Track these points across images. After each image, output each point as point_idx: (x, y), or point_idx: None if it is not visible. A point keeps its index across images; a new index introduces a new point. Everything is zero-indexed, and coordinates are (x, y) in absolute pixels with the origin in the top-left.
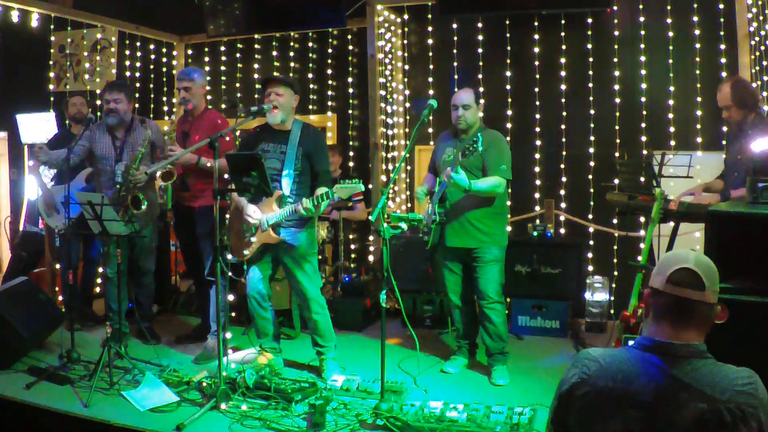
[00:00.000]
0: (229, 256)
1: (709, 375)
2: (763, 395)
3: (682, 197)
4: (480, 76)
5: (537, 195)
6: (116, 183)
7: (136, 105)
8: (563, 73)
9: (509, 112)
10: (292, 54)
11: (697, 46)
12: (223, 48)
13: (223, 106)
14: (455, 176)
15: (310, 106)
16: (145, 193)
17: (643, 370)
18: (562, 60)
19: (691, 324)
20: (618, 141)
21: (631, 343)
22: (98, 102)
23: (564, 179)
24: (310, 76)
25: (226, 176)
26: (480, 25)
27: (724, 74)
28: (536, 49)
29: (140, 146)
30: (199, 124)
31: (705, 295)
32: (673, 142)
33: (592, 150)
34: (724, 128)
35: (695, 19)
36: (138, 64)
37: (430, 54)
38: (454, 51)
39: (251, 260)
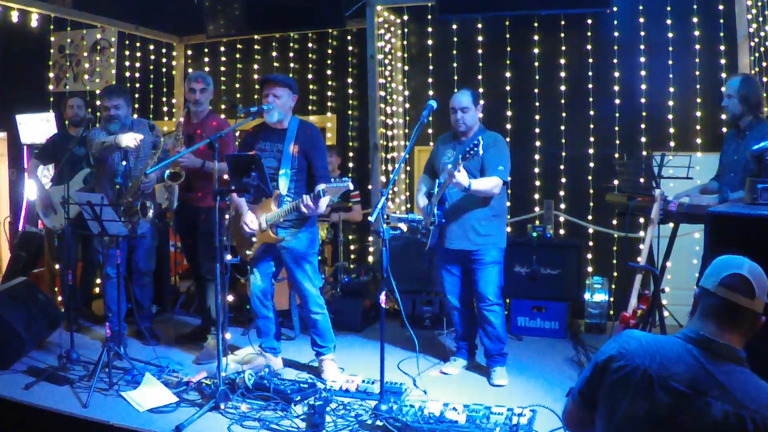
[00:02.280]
0: (229, 257)
1: (743, 382)
2: None
3: (679, 198)
4: (480, 76)
5: (536, 196)
6: (116, 183)
7: (136, 105)
8: (563, 74)
9: (509, 113)
10: (291, 54)
11: (697, 47)
12: (222, 48)
13: (223, 106)
14: (458, 174)
15: (310, 107)
16: (150, 198)
17: (681, 359)
18: (562, 61)
19: (736, 328)
20: (618, 142)
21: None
22: (98, 102)
23: (563, 180)
24: (309, 76)
25: (226, 177)
26: (480, 26)
27: (723, 75)
28: (536, 50)
29: (152, 154)
30: (204, 127)
31: (754, 303)
32: (672, 143)
33: (591, 151)
34: (724, 129)
35: (695, 20)
36: (137, 65)
37: (430, 55)
38: (454, 52)
39: (253, 260)
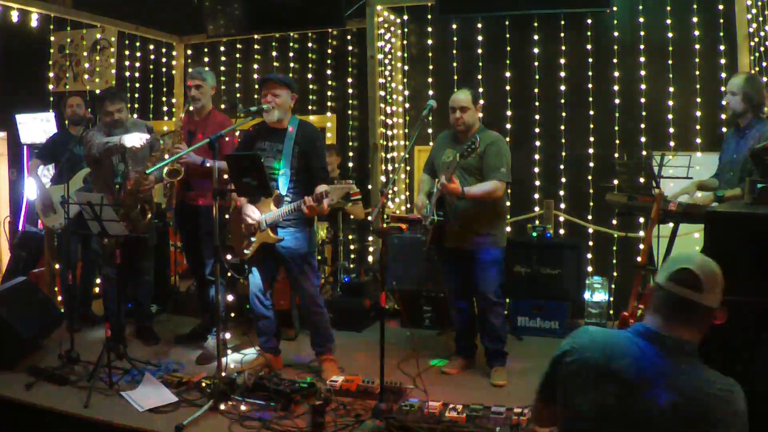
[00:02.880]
0: (229, 257)
1: (690, 372)
2: (739, 408)
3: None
4: (479, 76)
5: (536, 195)
6: (116, 183)
7: (136, 105)
8: (563, 74)
9: (509, 113)
10: (291, 54)
11: (697, 47)
12: (222, 48)
13: (223, 106)
14: (450, 186)
15: (310, 107)
16: (149, 200)
17: (629, 352)
18: (562, 60)
19: (684, 321)
20: (617, 142)
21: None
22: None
23: (563, 180)
24: (309, 76)
25: (225, 176)
26: (480, 25)
27: (723, 75)
28: (536, 50)
29: (150, 157)
30: (206, 125)
31: (702, 297)
32: (672, 143)
33: (591, 150)
34: (724, 129)
35: (695, 20)
36: (137, 65)
37: (430, 54)
38: (454, 51)
39: (252, 260)
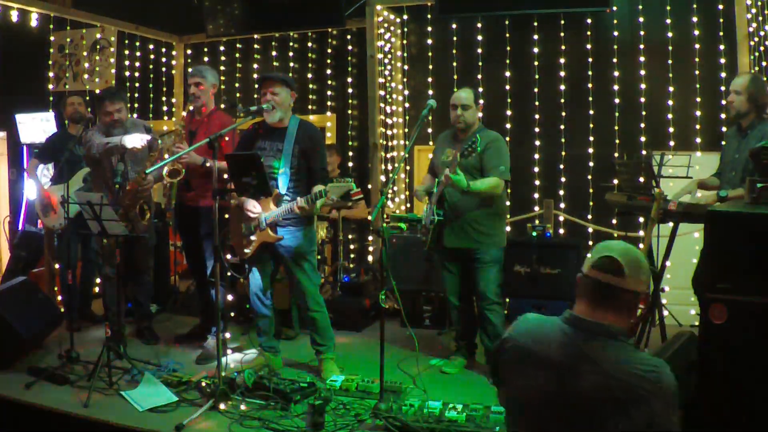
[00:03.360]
0: (229, 256)
1: (614, 354)
2: (665, 386)
3: (679, 197)
4: (479, 76)
5: (536, 195)
6: (115, 183)
7: (135, 105)
8: (563, 74)
9: (509, 113)
10: (291, 54)
11: (697, 46)
12: (222, 48)
13: (222, 105)
14: (454, 177)
15: (310, 106)
16: (148, 200)
17: (558, 338)
18: (562, 60)
19: (608, 306)
20: (617, 141)
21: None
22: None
23: (563, 179)
24: (309, 76)
25: (225, 176)
26: (479, 25)
27: (723, 75)
28: (536, 50)
29: (149, 157)
30: (208, 125)
31: (623, 281)
32: (672, 143)
33: (591, 150)
34: (724, 128)
35: (695, 19)
36: (137, 64)
37: (430, 54)
38: (454, 51)
39: (252, 259)
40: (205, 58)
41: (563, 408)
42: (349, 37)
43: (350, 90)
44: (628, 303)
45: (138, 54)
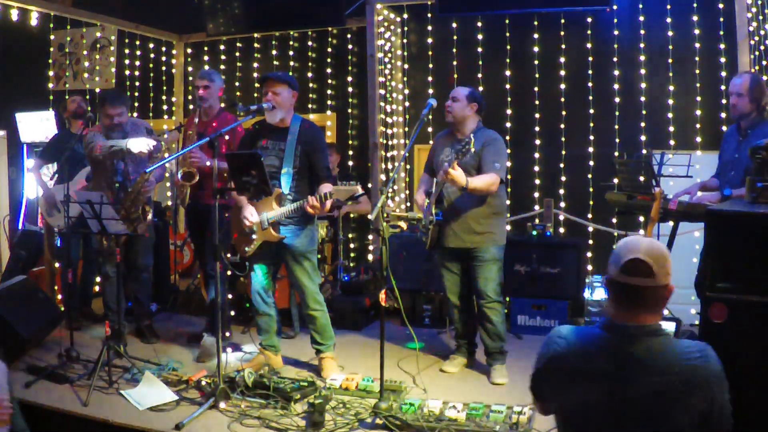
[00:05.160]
0: (229, 255)
1: (661, 350)
2: (714, 367)
3: (678, 196)
4: (479, 75)
5: (536, 194)
6: (116, 182)
7: (135, 104)
8: (563, 73)
9: (509, 112)
10: (291, 53)
11: (697, 45)
12: (222, 47)
13: (223, 105)
14: (453, 172)
15: (310, 106)
16: (149, 201)
17: (601, 348)
18: (562, 59)
19: (644, 307)
20: (617, 140)
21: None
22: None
23: (563, 179)
24: (309, 75)
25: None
26: (479, 24)
27: (723, 74)
28: (536, 49)
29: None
30: (215, 126)
31: (655, 280)
32: (672, 142)
33: (591, 149)
34: (724, 128)
35: (695, 18)
36: (137, 63)
37: (430, 53)
38: (454, 50)
39: (254, 257)
40: (205, 57)
41: (621, 416)
42: (349, 36)
43: (350, 89)
44: (660, 298)
45: (138, 53)
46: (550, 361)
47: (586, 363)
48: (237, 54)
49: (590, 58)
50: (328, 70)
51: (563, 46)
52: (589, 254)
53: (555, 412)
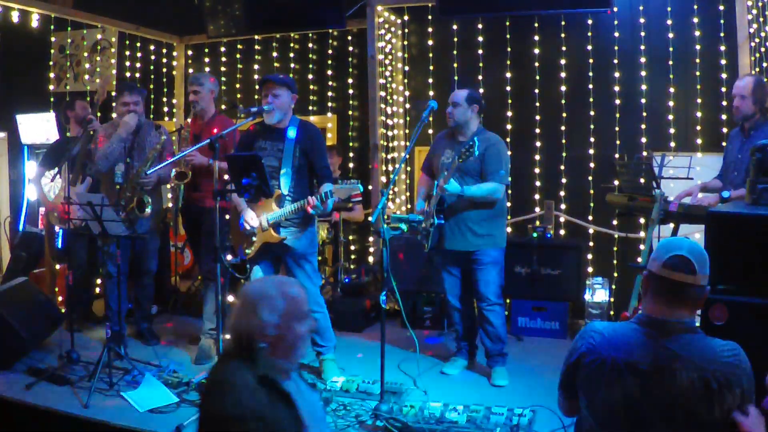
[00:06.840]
0: (229, 257)
1: (698, 347)
2: (746, 364)
3: (679, 198)
4: (480, 77)
5: (537, 196)
6: (116, 183)
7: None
8: (563, 74)
9: (509, 113)
10: (292, 55)
11: (698, 47)
12: (223, 48)
13: (223, 106)
14: (448, 188)
15: (310, 107)
16: (151, 196)
17: (641, 343)
18: (563, 61)
19: (683, 304)
20: (618, 142)
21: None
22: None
23: (564, 180)
24: (310, 76)
25: (226, 177)
26: (480, 26)
27: (724, 76)
28: (536, 51)
29: (153, 149)
30: (211, 128)
31: (696, 278)
32: (673, 144)
33: (592, 151)
34: (724, 129)
35: (695, 20)
36: (138, 65)
37: (430, 55)
38: (454, 52)
39: (254, 259)
40: (206, 59)
41: (658, 409)
42: (349, 37)
43: (351, 91)
44: (697, 297)
45: (139, 55)
46: (585, 354)
47: (624, 355)
48: (238, 56)
49: (591, 60)
50: (329, 72)
51: (564, 48)
52: (589, 256)
53: (587, 407)
